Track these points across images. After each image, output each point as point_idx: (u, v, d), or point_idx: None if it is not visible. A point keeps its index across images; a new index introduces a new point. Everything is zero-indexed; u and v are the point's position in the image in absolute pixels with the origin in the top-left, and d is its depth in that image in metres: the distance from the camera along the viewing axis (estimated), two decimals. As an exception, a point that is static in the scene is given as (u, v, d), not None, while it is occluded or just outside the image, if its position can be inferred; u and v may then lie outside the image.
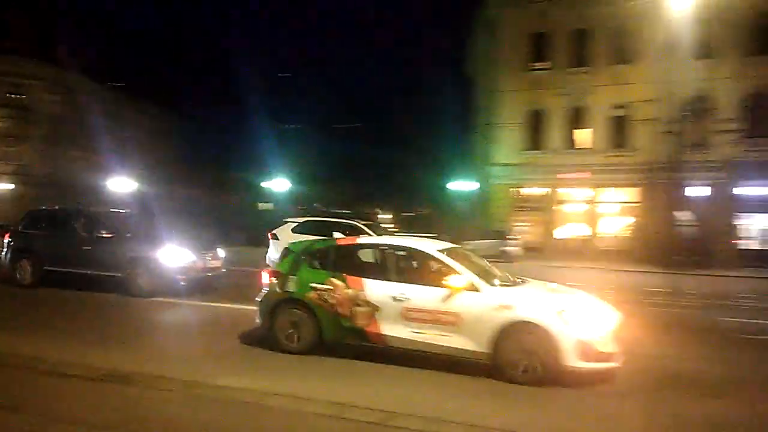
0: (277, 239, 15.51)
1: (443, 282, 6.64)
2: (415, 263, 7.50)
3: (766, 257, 25.21)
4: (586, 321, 6.26)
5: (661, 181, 26.42)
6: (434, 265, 7.08)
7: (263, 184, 40.32)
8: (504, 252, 25.89)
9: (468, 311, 6.44)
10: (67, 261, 11.81)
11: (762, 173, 25.19)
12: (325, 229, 14.63)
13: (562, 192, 29.81)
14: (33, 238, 12.36)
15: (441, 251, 7.08)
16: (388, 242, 7.86)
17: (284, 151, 40.37)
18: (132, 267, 11.39)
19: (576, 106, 28.88)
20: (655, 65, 26.51)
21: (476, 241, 27.42)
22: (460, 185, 37.72)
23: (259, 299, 7.57)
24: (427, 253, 7.14)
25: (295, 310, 7.23)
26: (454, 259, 6.92)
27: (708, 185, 26.53)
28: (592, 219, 29.43)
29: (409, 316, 6.68)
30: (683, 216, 26.85)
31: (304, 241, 8.27)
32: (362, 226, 15.42)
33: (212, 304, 10.83)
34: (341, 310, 6.98)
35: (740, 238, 26.26)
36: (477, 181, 34.91)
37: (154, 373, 6.14)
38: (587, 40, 28.55)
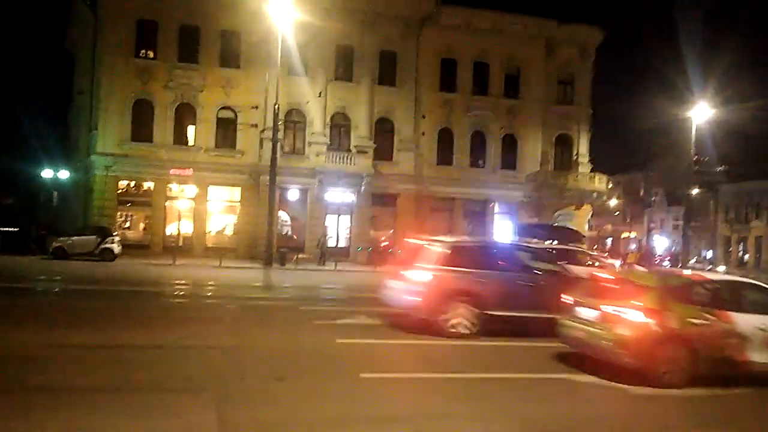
0: None
1: None
2: (755, 296, 8.52)
3: (347, 253, 29.86)
4: None
5: (261, 183, 28.37)
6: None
7: None
8: (104, 250, 24.25)
9: None
10: (508, 303, 10.43)
11: (341, 181, 29.54)
12: (561, 257, 15.27)
13: (173, 188, 29.23)
14: (465, 275, 10.60)
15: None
16: (729, 279, 10.15)
17: None
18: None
19: (184, 102, 28.65)
20: (260, 74, 28.12)
21: (73, 238, 24.79)
22: (57, 174, 33.33)
23: (632, 337, 7.59)
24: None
25: (676, 345, 7.66)
26: None
27: (301, 189, 29.82)
28: (200, 216, 29.65)
29: None
30: (281, 216, 29.61)
31: (652, 275, 10.01)
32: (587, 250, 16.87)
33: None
34: (718, 342, 7.73)
35: (327, 236, 30.22)
36: (77, 170, 31.40)
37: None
38: (198, 37, 28.58)
